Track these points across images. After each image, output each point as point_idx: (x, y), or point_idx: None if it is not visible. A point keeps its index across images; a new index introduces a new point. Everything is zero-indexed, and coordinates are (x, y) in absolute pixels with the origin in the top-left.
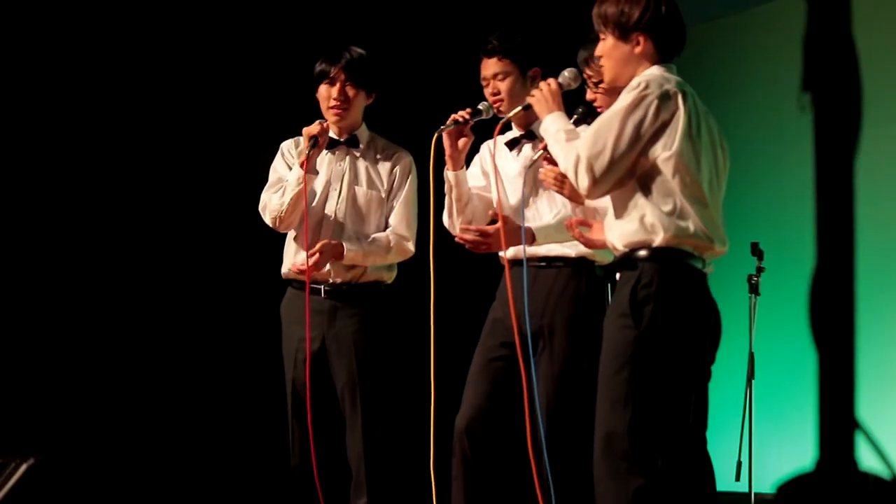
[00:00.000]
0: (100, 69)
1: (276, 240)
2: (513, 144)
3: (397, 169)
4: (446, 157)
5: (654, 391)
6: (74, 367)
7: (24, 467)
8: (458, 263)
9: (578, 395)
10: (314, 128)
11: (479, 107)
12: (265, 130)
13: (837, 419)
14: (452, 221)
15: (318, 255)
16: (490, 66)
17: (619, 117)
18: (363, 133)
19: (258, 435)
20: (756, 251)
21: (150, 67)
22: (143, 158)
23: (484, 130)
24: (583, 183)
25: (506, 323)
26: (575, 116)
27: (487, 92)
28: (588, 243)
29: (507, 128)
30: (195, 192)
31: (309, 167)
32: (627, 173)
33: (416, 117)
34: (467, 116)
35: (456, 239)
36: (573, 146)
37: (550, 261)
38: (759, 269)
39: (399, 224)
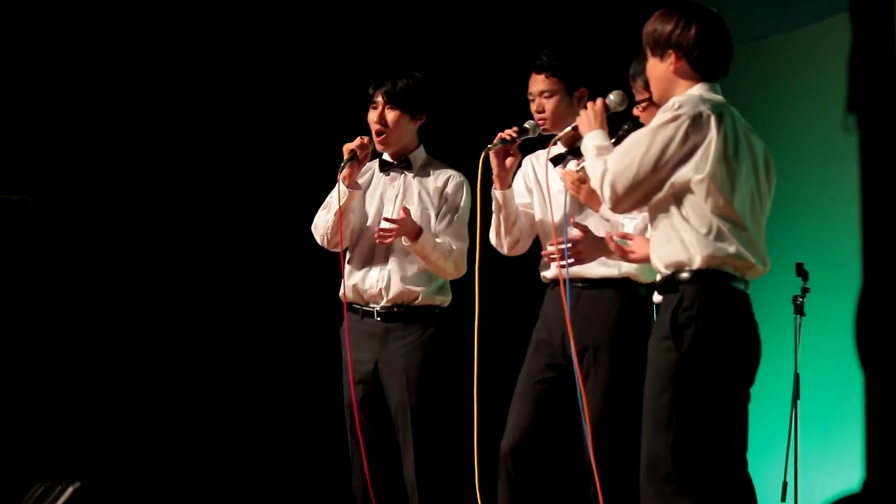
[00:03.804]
0: (157, 85)
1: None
2: (557, 161)
3: (448, 188)
4: (494, 177)
5: (696, 413)
6: (122, 391)
7: (70, 490)
8: (501, 284)
9: (625, 417)
10: (353, 143)
11: (526, 125)
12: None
13: (885, 440)
14: (500, 241)
15: (398, 221)
16: (538, 83)
17: (649, 135)
18: (418, 155)
19: (321, 457)
20: (801, 272)
21: (216, 86)
22: (211, 180)
23: (529, 147)
24: (606, 196)
25: (551, 344)
26: (620, 133)
27: (533, 108)
28: (628, 258)
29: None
30: (259, 217)
31: (350, 182)
32: (654, 192)
33: (465, 137)
34: (514, 135)
35: (544, 257)
36: (602, 160)
37: (594, 281)
38: (804, 290)
39: (454, 239)
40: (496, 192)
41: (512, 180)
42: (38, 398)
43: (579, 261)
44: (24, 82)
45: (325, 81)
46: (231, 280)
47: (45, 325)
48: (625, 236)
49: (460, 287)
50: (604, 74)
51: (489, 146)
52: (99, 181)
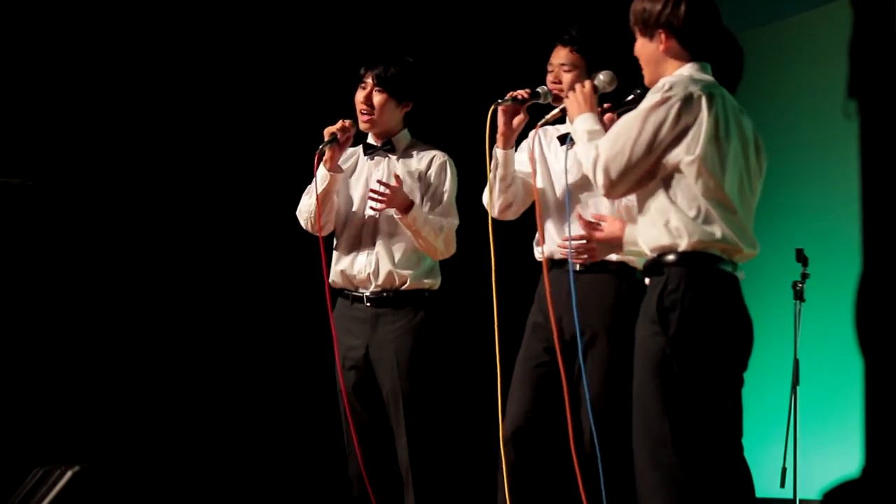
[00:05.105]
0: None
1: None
2: (564, 140)
3: (432, 167)
4: (498, 134)
5: (688, 397)
6: (121, 375)
7: (69, 475)
8: (498, 264)
9: (623, 402)
10: (335, 126)
11: (539, 89)
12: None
13: (884, 425)
14: (492, 201)
15: (390, 188)
16: (560, 55)
17: (640, 118)
18: (401, 138)
19: (318, 444)
20: (801, 257)
21: (210, 73)
22: (206, 166)
23: (539, 115)
24: (600, 182)
25: (547, 328)
26: (631, 97)
27: (549, 78)
28: (594, 236)
29: (561, 122)
30: (257, 203)
31: (332, 165)
32: (647, 174)
33: (453, 125)
34: (526, 96)
35: (559, 248)
36: (593, 145)
37: (590, 265)
38: (804, 276)
39: (443, 218)
40: (497, 151)
41: (515, 141)
42: (37, 383)
43: (592, 258)
44: (24, 65)
45: (315, 68)
46: (226, 265)
47: (44, 310)
48: (600, 218)
49: (450, 270)
50: (623, 58)
51: (499, 101)
52: (98, 165)
